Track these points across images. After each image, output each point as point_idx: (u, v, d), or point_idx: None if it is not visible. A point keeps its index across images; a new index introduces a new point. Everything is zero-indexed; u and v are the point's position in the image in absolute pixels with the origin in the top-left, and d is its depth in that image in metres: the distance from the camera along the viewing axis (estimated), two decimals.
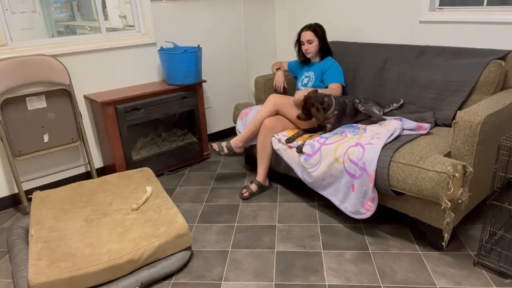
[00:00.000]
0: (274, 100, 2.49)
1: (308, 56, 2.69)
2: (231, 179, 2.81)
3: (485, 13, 2.36)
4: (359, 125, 2.29)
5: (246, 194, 2.51)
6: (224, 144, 2.54)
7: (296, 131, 2.41)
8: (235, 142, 2.54)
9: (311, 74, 2.71)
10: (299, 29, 2.71)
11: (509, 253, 1.84)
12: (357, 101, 2.38)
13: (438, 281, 1.72)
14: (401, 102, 2.46)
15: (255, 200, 2.49)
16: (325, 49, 2.69)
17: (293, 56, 3.61)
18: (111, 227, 1.93)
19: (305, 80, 2.73)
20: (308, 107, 2.28)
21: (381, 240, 2.03)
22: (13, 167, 2.40)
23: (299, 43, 2.72)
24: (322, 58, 2.70)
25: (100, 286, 1.71)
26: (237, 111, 2.86)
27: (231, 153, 2.56)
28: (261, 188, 2.57)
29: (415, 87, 2.42)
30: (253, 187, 2.54)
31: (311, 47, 2.64)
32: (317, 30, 2.64)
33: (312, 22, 2.69)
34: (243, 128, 2.67)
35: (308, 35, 2.63)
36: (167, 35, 3.01)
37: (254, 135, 2.55)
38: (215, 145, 2.54)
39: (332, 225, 2.19)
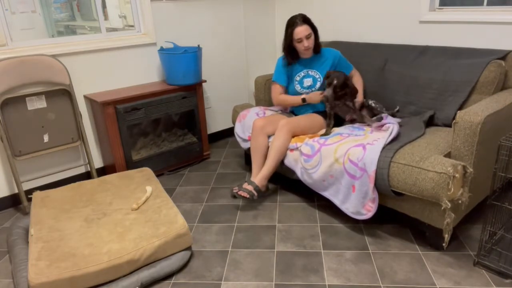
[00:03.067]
0: (284, 122, 2.33)
1: (306, 53, 2.45)
2: (231, 179, 2.80)
3: (485, 13, 2.36)
4: (365, 127, 2.28)
5: (236, 190, 2.31)
6: (250, 187, 2.30)
7: (306, 136, 2.31)
8: (260, 181, 2.33)
9: (313, 72, 2.49)
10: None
11: (509, 253, 1.84)
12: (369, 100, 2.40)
13: (438, 281, 1.72)
14: (397, 109, 2.49)
15: (255, 200, 2.49)
16: (317, 41, 2.46)
17: None
18: (111, 227, 1.93)
19: (308, 81, 2.49)
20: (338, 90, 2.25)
21: (381, 240, 2.03)
22: (13, 167, 2.40)
23: (290, 43, 2.44)
24: (316, 51, 2.49)
25: (100, 286, 1.71)
26: (235, 113, 2.84)
27: (260, 194, 2.44)
28: (259, 191, 2.33)
29: (415, 87, 2.42)
30: (249, 187, 2.31)
31: (310, 42, 2.38)
32: (309, 20, 2.39)
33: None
34: (242, 131, 2.64)
35: (305, 30, 2.35)
36: (167, 35, 3.01)
37: (277, 167, 2.36)
38: (244, 193, 2.28)
39: (332, 225, 2.19)
